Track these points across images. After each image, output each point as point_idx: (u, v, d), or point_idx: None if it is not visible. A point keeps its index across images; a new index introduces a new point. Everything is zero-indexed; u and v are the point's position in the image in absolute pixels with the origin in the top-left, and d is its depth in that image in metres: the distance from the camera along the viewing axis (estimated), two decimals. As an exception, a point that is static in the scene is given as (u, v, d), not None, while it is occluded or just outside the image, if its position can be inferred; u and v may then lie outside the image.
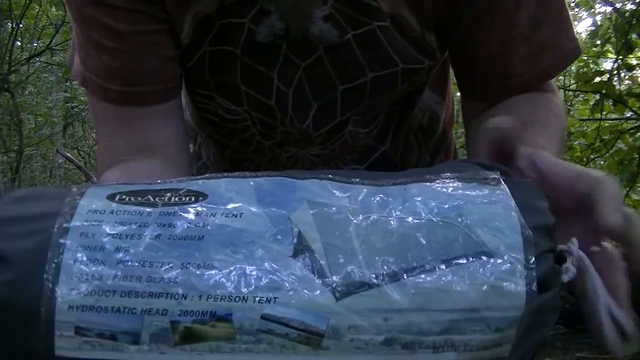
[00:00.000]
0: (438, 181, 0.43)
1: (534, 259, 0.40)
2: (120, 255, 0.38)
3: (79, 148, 9.61)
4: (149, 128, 0.69)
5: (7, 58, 6.19)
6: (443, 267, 0.39)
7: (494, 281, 0.39)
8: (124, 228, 0.39)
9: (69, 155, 5.36)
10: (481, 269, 0.39)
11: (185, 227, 0.39)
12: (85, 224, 0.40)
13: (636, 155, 3.35)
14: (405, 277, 0.38)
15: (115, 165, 0.69)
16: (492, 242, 0.39)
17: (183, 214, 0.40)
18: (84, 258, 0.38)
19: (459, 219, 0.40)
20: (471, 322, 0.38)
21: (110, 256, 0.38)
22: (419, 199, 0.41)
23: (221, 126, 0.76)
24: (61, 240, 0.39)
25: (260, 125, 0.73)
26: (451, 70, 0.80)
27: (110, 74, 0.67)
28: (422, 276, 0.38)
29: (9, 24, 6.79)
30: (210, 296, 0.37)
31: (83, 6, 0.65)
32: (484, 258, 0.39)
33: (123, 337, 0.37)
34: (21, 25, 7.05)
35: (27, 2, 6.24)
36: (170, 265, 0.38)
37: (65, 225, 0.40)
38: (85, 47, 0.68)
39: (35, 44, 8.20)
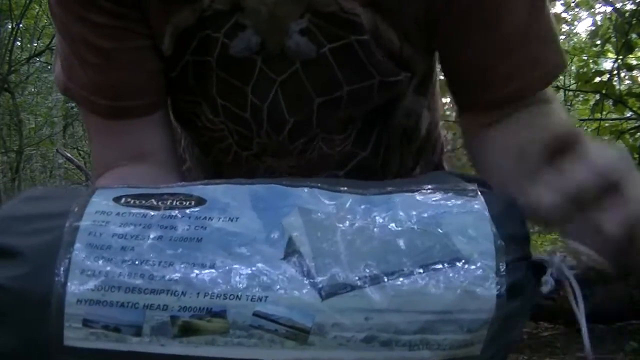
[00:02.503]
0: (420, 192, 0.47)
1: (505, 266, 0.43)
2: (125, 254, 0.42)
3: (79, 148, 9.63)
4: (138, 138, 0.71)
5: (7, 58, 6.21)
6: (420, 271, 0.42)
7: (467, 286, 0.42)
8: (129, 229, 0.43)
9: (69, 155, 5.39)
10: (455, 274, 0.42)
11: (186, 229, 0.43)
12: (93, 224, 0.43)
13: (636, 155, 3.37)
14: (385, 280, 0.42)
15: (108, 171, 0.71)
16: (466, 249, 0.43)
17: (184, 217, 0.43)
18: (92, 256, 0.42)
19: (437, 228, 0.44)
20: (445, 323, 0.42)
21: (116, 255, 0.42)
22: (401, 207, 0.45)
23: (201, 134, 0.77)
24: (71, 239, 0.42)
25: (237, 136, 0.74)
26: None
27: (97, 88, 0.68)
28: (401, 279, 0.42)
29: (9, 24, 6.80)
30: (207, 294, 0.41)
31: (68, 22, 0.66)
32: (459, 264, 0.43)
33: (126, 330, 0.41)
34: (21, 25, 7.06)
35: (27, 2, 6.25)
36: (171, 264, 0.41)
37: (75, 224, 0.43)
38: (70, 60, 0.69)
39: (35, 44, 8.22)
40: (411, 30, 0.66)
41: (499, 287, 0.43)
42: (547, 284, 0.47)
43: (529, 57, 0.67)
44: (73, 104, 8.32)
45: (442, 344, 0.42)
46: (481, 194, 0.47)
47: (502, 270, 0.43)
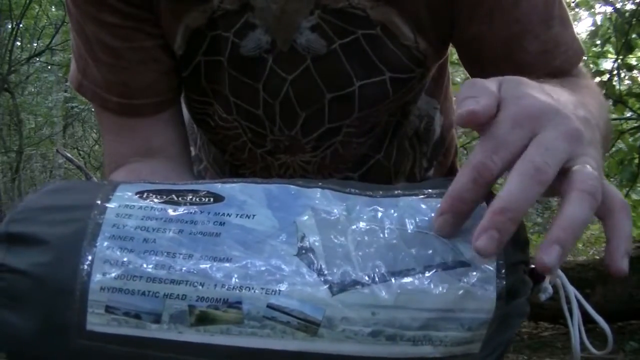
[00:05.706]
0: (426, 196, 0.49)
1: (504, 269, 0.46)
2: (147, 246, 0.44)
3: (79, 148, 9.65)
4: (149, 134, 0.73)
5: (7, 58, 6.23)
6: (425, 272, 0.45)
7: (469, 287, 0.45)
8: (151, 222, 0.45)
9: (69, 155, 5.40)
10: (458, 276, 0.45)
11: (205, 224, 0.45)
12: (117, 216, 0.46)
13: (636, 155, 3.36)
14: (392, 278, 0.44)
15: (121, 166, 0.74)
16: (468, 252, 0.45)
17: (203, 213, 0.46)
18: (116, 247, 0.44)
19: None
20: (446, 321, 0.44)
21: (138, 246, 0.44)
22: (408, 211, 0.47)
23: (216, 132, 0.79)
24: (96, 230, 0.45)
25: (251, 133, 0.76)
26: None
27: (109, 86, 0.71)
28: (407, 279, 0.44)
29: (9, 24, 6.82)
30: (223, 285, 0.43)
31: (83, 22, 0.69)
32: (461, 266, 0.45)
33: (146, 317, 0.43)
34: (21, 25, 7.08)
35: (27, 2, 6.28)
36: (191, 257, 0.44)
37: (99, 216, 0.46)
38: (84, 59, 0.72)
39: (35, 44, 8.24)
40: (425, 19, 0.67)
41: (498, 289, 0.45)
42: (546, 292, 0.49)
43: (555, 40, 0.67)
44: (73, 104, 8.33)
45: (443, 341, 0.44)
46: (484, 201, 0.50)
47: (502, 273, 0.46)
